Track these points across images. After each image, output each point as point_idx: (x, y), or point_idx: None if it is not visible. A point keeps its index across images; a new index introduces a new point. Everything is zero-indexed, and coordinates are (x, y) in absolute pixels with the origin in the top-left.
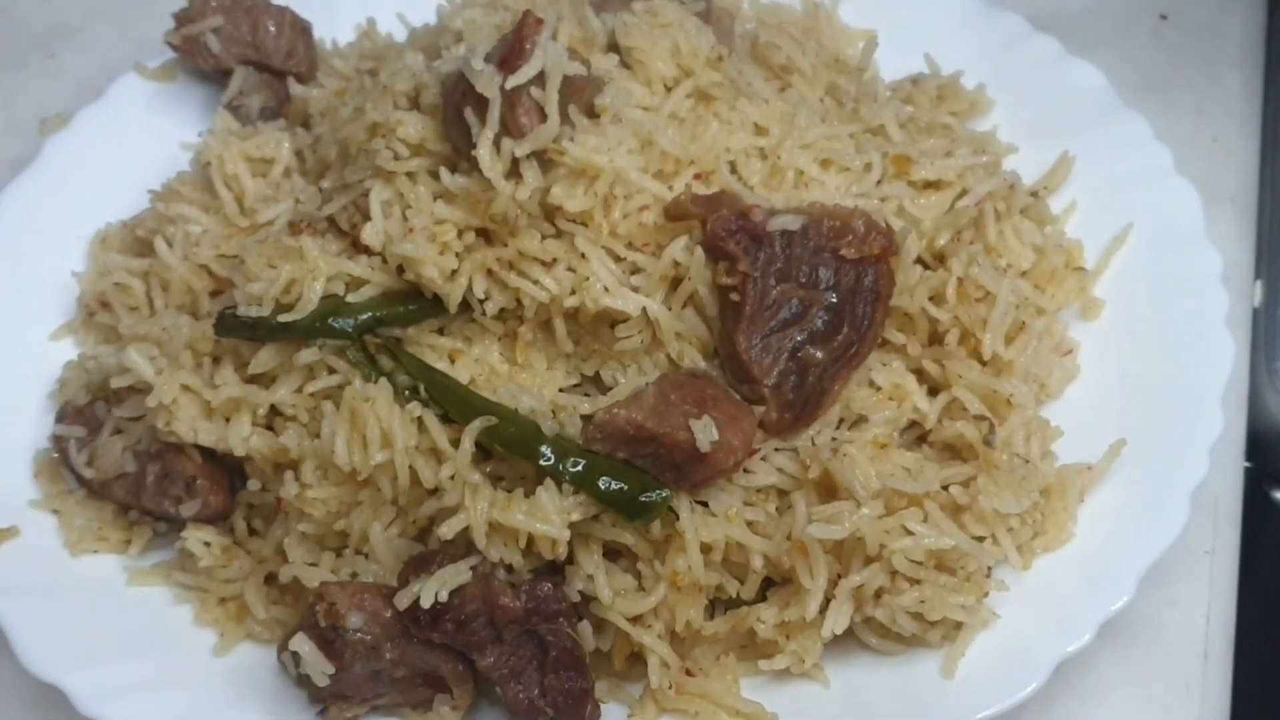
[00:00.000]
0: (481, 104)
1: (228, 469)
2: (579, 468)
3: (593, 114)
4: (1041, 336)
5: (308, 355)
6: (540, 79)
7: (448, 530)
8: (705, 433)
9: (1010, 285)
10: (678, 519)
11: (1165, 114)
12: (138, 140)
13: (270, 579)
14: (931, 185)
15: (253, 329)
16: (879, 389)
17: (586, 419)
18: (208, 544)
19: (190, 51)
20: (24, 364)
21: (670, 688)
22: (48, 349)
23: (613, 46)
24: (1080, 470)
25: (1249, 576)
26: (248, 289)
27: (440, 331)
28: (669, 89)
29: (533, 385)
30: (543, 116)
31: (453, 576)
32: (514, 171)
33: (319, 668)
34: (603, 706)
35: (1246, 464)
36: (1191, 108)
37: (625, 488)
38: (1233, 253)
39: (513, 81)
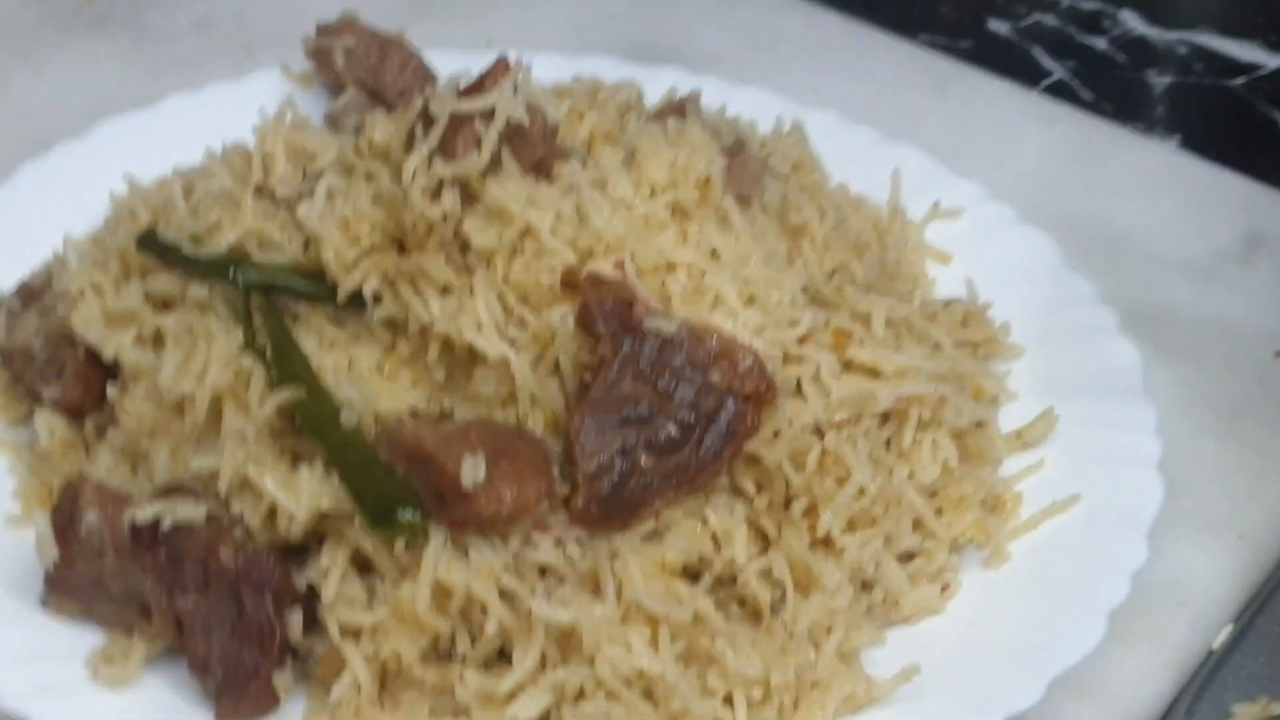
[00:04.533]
0: (432, 123)
1: (106, 377)
2: (351, 460)
3: (543, 173)
4: (921, 560)
5: (198, 292)
6: (490, 118)
7: (198, 465)
8: (472, 470)
9: (870, 473)
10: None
11: (1224, 438)
12: (251, 120)
13: None
14: (868, 371)
15: (164, 253)
16: (706, 525)
17: None
18: (53, 431)
19: (320, 61)
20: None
21: (351, 711)
22: None
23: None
24: (861, 680)
25: None
26: (179, 218)
27: (335, 323)
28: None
29: (380, 392)
30: (479, 149)
31: (185, 510)
32: (439, 194)
33: (46, 549)
34: (285, 703)
35: None
36: (1256, 444)
37: (383, 495)
38: (1215, 587)
39: (457, 106)
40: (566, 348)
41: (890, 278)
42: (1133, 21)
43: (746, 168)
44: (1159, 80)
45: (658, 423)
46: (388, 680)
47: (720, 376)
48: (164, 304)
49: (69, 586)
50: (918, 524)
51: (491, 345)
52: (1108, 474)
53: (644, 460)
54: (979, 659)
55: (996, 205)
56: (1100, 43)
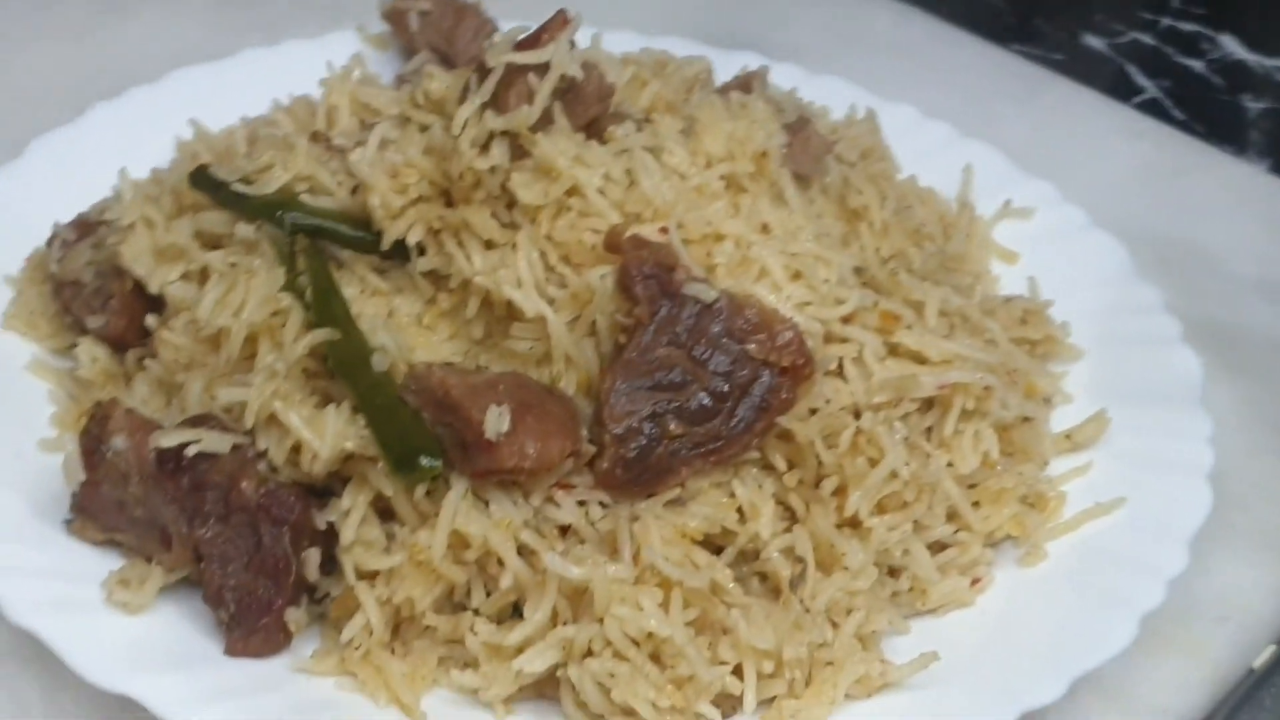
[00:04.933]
0: (487, 75)
1: (151, 310)
2: (379, 404)
3: (596, 133)
4: (954, 551)
5: (244, 231)
6: (544, 71)
7: (226, 397)
8: (496, 420)
9: (904, 457)
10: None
11: None
12: (320, 75)
13: None
14: (913, 356)
15: (215, 190)
16: (733, 499)
17: None
18: (95, 359)
19: (394, 24)
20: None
21: (359, 650)
22: None
23: None
24: (876, 663)
25: None
26: (235, 159)
27: (379, 272)
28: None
29: (417, 343)
30: (530, 103)
31: (212, 440)
32: (489, 146)
33: (72, 470)
34: (299, 642)
35: None
36: None
37: (406, 440)
38: (1260, 606)
39: (512, 58)
40: (604, 309)
41: (950, 270)
42: (1232, 46)
43: (808, 146)
44: (1254, 105)
45: (690, 390)
46: (401, 626)
47: (757, 348)
48: (213, 242)
49: (93, 509)
50: (953, 514)
51: (530, 302)
52: (1155, 480)
53: (673, 427)
54: (1003, 653)
55: (1068, 208)
56: (1197, 64)
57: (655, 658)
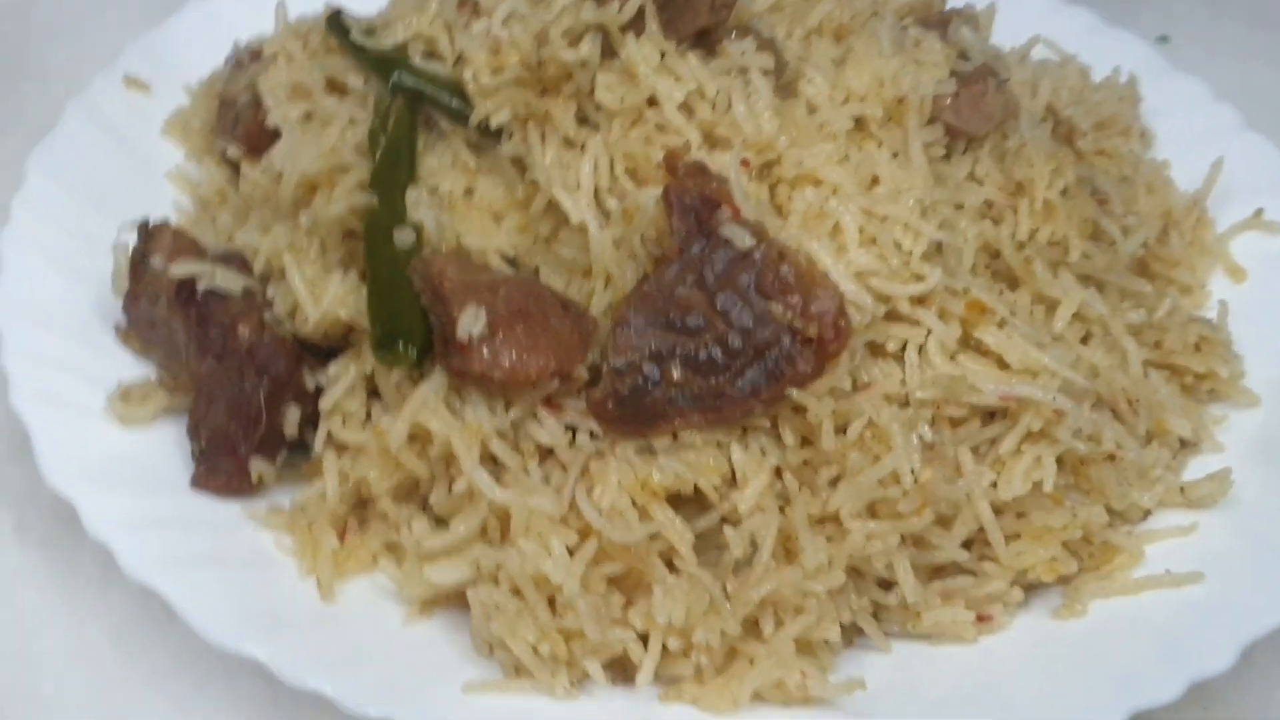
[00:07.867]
0: None
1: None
2: (383, 279)
3: (707, 46)
4: (969, 581)
5: (355, 82)
6: None
7: (242, 239)
8: (469, 322)
9: (913, 460)
10: None
11: None
12: None
13: None
14: (994, 358)
15: (343, 35)
16: (727, 463)
17: None
18: (212, 180)
19: None
20: None
21: (308, 519)
22: None
23: None
24: (796, 671)
25: None
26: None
27: (474, 149)
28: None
29: (476, 228)
30: None
31: (227, 279)
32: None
33: (119, 280)
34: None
35: None
36: None
37: (394, 321)
38: None
39: None
40: (648, 232)
41: (1140, 270)
42: None
43: (980, 102)
44: None
45: (703, 339)
46: (367, 505)
47: (783, 310)
48: (342, 88)
49: (134, 321)
50: (983, 540)
51: (576, 209)
52: (1253, 564)
53: (676, 373)
54: (965, 703)
55: None
56: None
57: (552, 602)
